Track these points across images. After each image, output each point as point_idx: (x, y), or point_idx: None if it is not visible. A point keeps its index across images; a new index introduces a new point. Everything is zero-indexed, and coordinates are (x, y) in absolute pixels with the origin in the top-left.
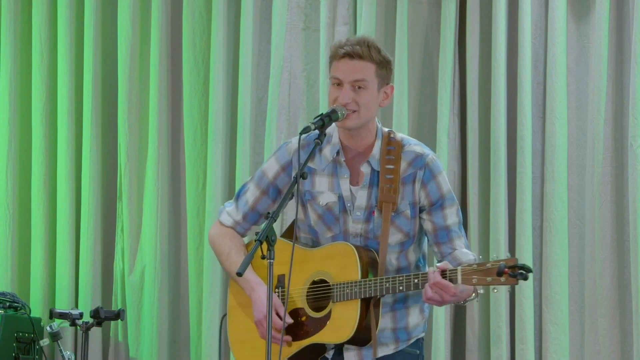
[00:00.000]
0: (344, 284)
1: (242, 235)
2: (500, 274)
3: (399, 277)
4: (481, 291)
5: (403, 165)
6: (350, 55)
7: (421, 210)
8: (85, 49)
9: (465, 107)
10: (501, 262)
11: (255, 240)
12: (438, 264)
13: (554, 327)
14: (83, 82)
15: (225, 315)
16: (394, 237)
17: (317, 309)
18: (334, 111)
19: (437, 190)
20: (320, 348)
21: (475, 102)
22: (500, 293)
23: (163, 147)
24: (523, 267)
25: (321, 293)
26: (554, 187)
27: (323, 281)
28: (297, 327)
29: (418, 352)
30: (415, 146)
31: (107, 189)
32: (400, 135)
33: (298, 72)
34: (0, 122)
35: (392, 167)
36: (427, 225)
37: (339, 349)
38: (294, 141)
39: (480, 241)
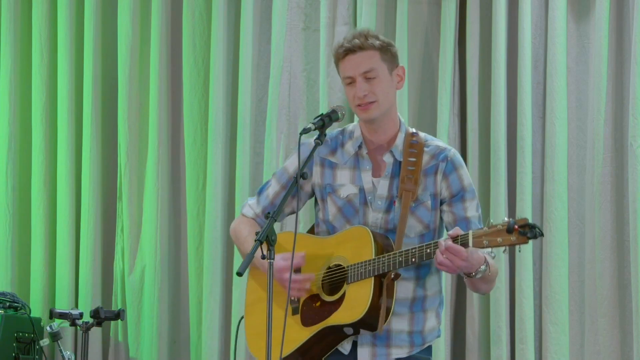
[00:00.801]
0: (358, 264)
1: None
2: (510, 230)
3: (411, 249)
4: (493, 254)
5: (425, 158)
6: (351, 51)
7: (442, 203)
8: (85, 49)
9: (465, 107)
10: (511, 220)
11: (255, 240)
12: (449, 232)
13: (554, 327)
14: (83, 82)
15: (242, 317)
16: (414, 229)
17: (332, 294)
18: (333, 111)
19: (458, 182)
20: (337, 335)
21: (475, 102)
22: (500, 293)
23: (163, 147)
24: (534, 226)
25: (336, 277)
26: (554, 187)
27: (338, 266)
28: (311, 313)
29: (430, 358)
30: (438, 142)
31: (107, 189)
32: (423, 134)
33: (298, 72)
34: (0, 122)
35: (414, 159)
36: (448, 217)
37: (354, 342)
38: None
39: None
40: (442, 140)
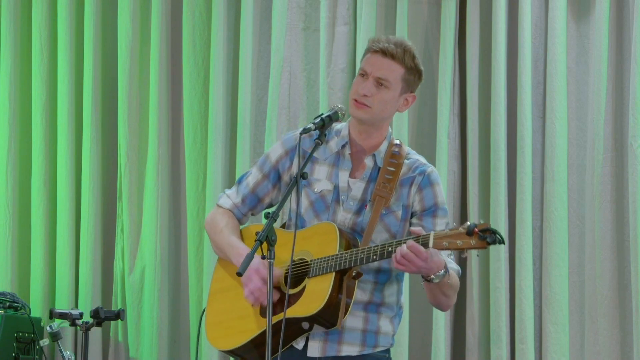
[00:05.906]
0: (321, 259)
1: (240, 221)
2: (470, 233)
3: (373, 246)
4: (453, 264)
5: (404, 168)
6: (384, 52)
7: (412, 215)
8: (85, 49)
9: (465, 107)
10: (471, 223)
11: (255, 240)
12: (411, 228)
13: (554, 327)
14: (83, 82)
15: (204, 310)
16: (380, 236)
17: (293, 287)
18: (334, 111)
19: (431, 198)
20: (293, 330)
21: (475, 102)
22: (500, 293)
23: (163, 147)
24: (495, 232)
25: (299, 271)
26: (554, 187)
27: (302, 259)
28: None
29: (387, 355)
30: (420, 157)
31: (107, 189)
32: (407, 147)
33: (298, 72)
34: (0, 122)
35: (393, 169)
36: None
37: (307, 337)
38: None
39: None
40: (443, 137)
